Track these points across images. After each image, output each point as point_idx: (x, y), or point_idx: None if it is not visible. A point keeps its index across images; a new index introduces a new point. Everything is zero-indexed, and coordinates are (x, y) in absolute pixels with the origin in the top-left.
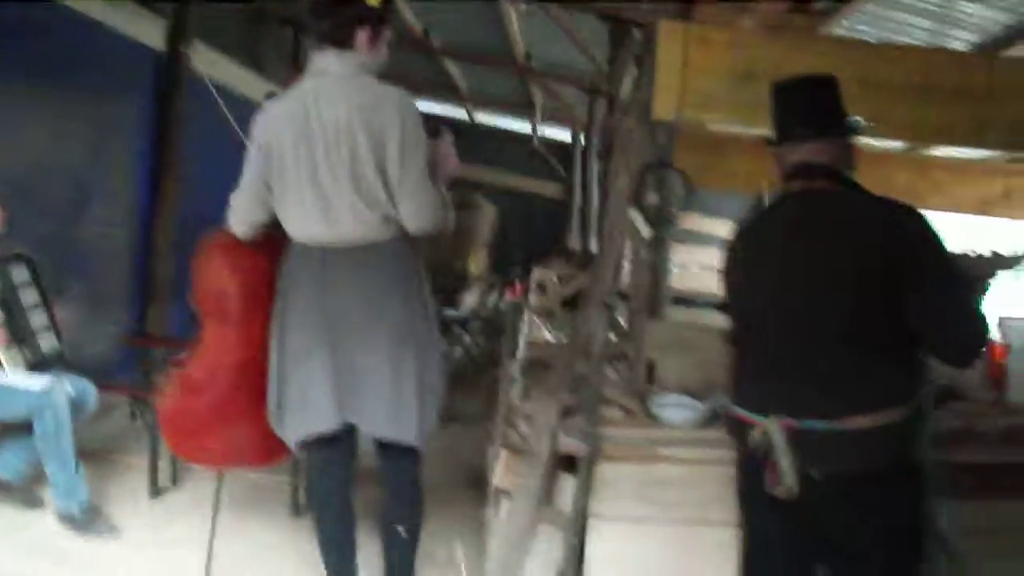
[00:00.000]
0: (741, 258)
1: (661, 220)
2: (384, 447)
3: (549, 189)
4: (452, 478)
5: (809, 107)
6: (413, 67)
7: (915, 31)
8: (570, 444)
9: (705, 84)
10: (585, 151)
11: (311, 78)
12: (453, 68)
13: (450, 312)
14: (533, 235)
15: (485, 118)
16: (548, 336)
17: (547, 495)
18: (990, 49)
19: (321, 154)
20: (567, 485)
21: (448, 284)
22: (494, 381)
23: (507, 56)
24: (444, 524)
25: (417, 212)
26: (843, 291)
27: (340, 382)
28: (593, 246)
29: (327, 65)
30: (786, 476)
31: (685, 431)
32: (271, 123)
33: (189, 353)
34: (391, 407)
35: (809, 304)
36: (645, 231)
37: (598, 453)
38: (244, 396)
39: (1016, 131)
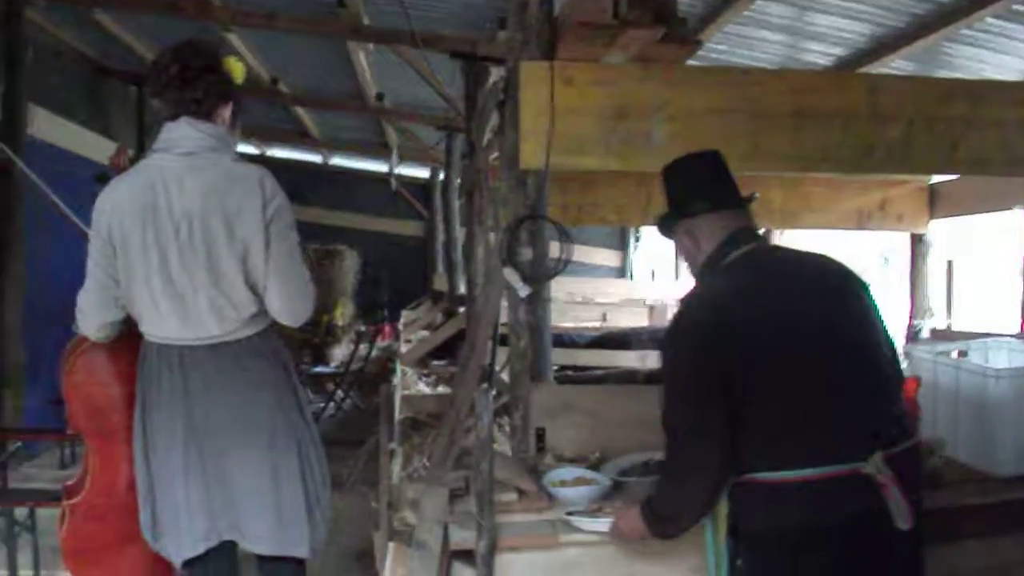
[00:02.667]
0: (747, 328)
1: (538, 276)
2: (266, 561)
3: (410, 228)
4: (338, 556)
5: (729, 177)
6: (262, 116)
7: (771, 46)
8: (464, 538)
9: (574, 126)
10: (445, 188)
11: (159, 154)
12: (304, 114)
13: (320, 368)
14: (398, 275)
15: (341, 161)
16: (424, 388)
17: None
18: (855, 63)
19: (172, 246)
20: None
21: (315, 339)
22: (376, 443)
23: (358, 98)
24: None
25: (287, 304)
26: (869, 326)
27: (214, 497)
28: (461, 287)
29: (182, 139)
30: (901, 508)
31: (585, 508)
32: (113, 210)
33: (78, 477)
34: (275, 521)
35: (853, 342)
36: (522, 289)
37: (496, 545)
38: None
39: (897, 153)
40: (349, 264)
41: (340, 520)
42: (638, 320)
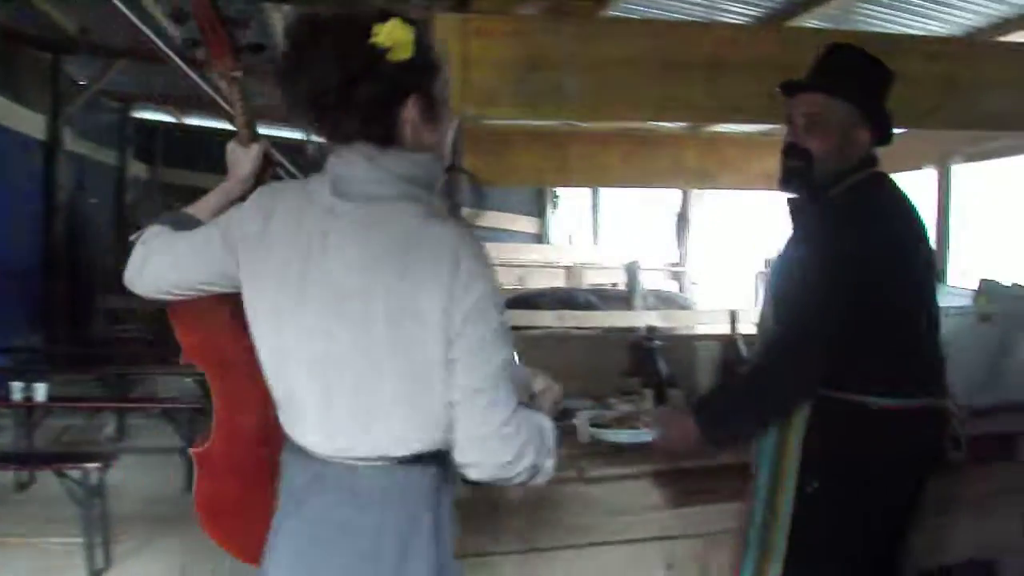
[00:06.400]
0: (892, 249)
1: None
2: None
3: None
4: None
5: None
6: None
7: (687, 7)
8: None
9: (487, 78)
10: None
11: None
12: None
13: None
14: None
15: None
16: None
17: None
18: (770, 21)
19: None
20: None
21: None
22: None
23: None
24: None
25: None
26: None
27: None
28: None
29: (351, 179)
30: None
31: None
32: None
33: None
34: None
35: (936, 283)
36: None
37: None
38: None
39: None
40: None
41: None
42: (555, 282)
